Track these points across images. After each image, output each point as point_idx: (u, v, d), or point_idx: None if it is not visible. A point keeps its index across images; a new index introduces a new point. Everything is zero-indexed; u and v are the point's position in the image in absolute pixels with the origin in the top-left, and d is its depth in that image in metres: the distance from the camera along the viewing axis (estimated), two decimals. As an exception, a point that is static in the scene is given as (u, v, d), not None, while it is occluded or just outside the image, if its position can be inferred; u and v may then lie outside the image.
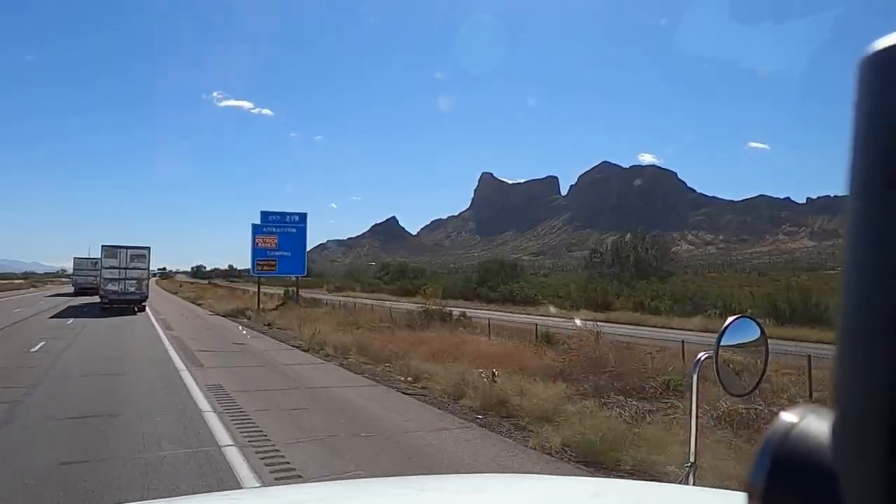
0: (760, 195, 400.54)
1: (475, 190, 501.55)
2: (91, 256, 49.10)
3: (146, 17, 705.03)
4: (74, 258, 55.91)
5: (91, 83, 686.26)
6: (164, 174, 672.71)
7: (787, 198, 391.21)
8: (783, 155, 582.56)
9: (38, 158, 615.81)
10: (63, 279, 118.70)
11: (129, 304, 30.41)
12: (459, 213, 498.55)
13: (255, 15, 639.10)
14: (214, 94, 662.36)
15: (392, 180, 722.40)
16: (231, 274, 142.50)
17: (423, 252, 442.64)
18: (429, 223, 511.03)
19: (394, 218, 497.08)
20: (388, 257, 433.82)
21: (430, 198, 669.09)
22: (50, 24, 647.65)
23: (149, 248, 32.99)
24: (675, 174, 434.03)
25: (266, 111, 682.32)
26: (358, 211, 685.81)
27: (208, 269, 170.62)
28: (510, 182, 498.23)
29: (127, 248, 31.80)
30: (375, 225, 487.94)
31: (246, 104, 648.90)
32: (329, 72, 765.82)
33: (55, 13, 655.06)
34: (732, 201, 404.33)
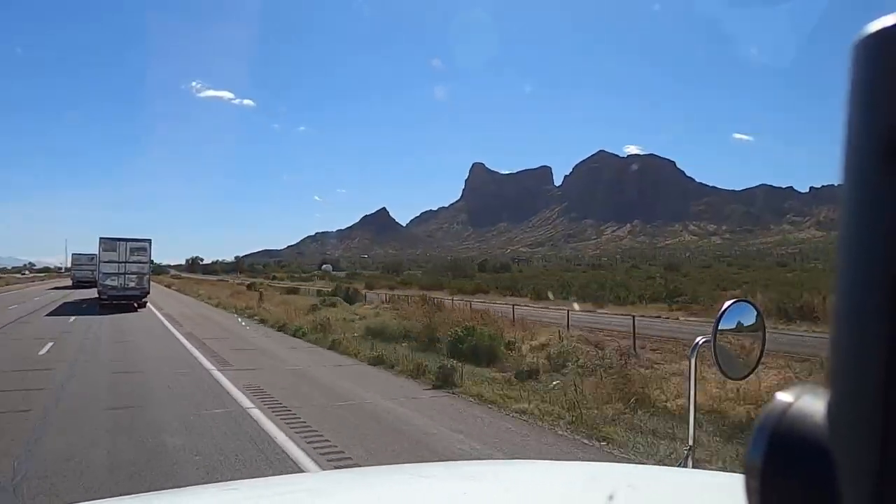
0: (762, 184, 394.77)
1: (466, 181, 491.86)
2: (86, 252, 53.00)
3: (122, 2, 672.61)
4: (73, 254, 61.00)
5: (66, 76, 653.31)
6: (145, 168, 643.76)
7: (790, 187, 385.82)
8: (778, 146, 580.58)
9: (16, 153, 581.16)
10: (21, 276, 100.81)
11: (129, 301, 28.66)
12: (451, 205, 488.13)
13: (234, 2, 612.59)
14: (193, 84, 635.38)
15: (380, 172, 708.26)
16: (235, 268, 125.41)
17: (416, 244, 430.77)
18: (419, 214, 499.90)
19: (384, 209, 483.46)
20: (380, 249, 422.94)
21: (419, 189, 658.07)
22: (25, 17, 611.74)
23: (149, 240, 31.07)
24: (674, 163, 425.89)
25: (248, 102, 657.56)
26: (343, 203, 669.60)
27: (206, 261, 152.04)
28: (502, 173, 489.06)
29: (126, 240, 30.17)
30: (366, 216, 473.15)
31: (226, 94, 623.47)
32: (314, 62, 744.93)
33: (33, 7, 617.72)
34: (733, 191, 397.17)
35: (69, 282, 61.08)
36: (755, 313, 1.75)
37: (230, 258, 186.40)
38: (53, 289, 54.30)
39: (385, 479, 1.75)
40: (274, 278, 71.96)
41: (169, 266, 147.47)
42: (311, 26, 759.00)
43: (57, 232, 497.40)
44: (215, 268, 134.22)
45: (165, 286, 61.73)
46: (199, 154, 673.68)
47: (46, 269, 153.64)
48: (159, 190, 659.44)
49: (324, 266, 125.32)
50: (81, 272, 53.55)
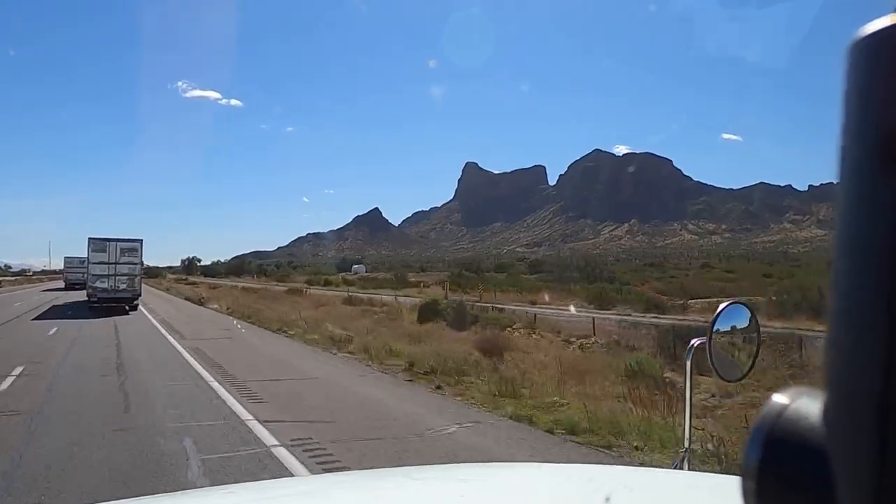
0: (760, 182, 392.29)
1: (459, 181, 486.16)
2: (77, 255, 52.85)
3: (107, 3, 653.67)
4: (65, 257, 63.78)
5: (48, 77, 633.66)
6: (130, 169, 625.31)
7: (789, 185, 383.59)
8: (768, 146, 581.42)
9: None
10: None
11: (120, 304, 26.80)
12: (443, 205, 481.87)
13: (220, 1, 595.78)
14: (180, 83, 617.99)
15: (370, 172, 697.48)
16: (239, 270, 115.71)
17: (409, 244, 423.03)
18: (411, 215, 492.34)
19: (377, 209, 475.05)
20: (373, 250, 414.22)
21: (411, 189, 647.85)
22: (10, 19, 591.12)
23: (140, 240, 29.67)
24: (671, 161, 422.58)
25: (235, 102, 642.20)
26: (331, 204, 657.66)
27: (205, 262, 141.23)
28: (496, 172, 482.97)
29: (117, 240, 28.92)
30: (359, 216, 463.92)
31: (213, 94, 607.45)
32: (302, 62, 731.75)
33: (18, 8, 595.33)
34: (731, 189, 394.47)
35: (40, 288, 64.32)
36: (750, 315, 1.78)
37: (225, 259, 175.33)
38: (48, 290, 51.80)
39: (381, 482, 1.73)
40: (326, 283, 60.37)
41: (159, 267, 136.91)
42: (297, 26, 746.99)
43: (41, 234, 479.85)
44: (217, 269, 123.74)
45: (193, 301, 37.25)
46: (186, 155, 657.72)
47: (23, 272, 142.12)
48: (145, 191, 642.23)
49: (355, 267, 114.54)
50: (74, 275, 54.86)
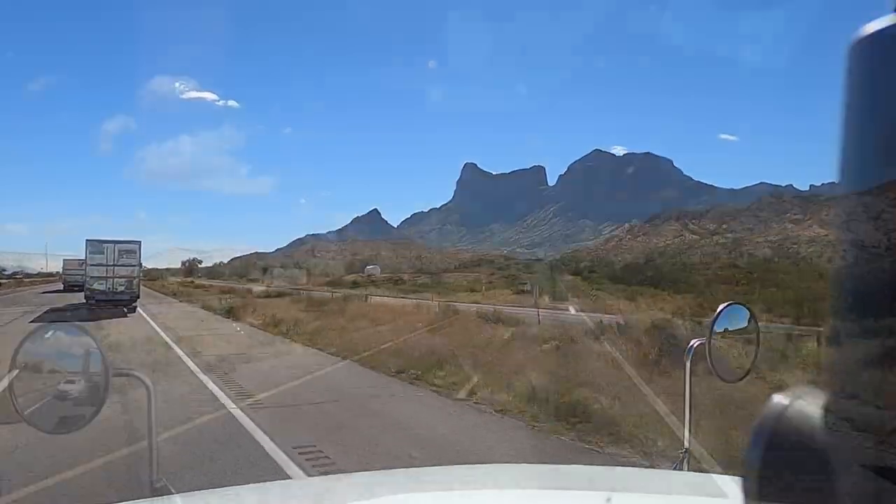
0: (761, 182, 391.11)
1: (458, 182, 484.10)
2: (76, 258, 53.62)
3: (103, 3, 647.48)
4: (64, 259, 66.27)
5: (46, 77, 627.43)
6: (128, 170, 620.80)
7: (790, 185, 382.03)
8: (765, 146, 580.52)
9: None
10: None
11: (118, 305, 27.01)
12: (442, 206, 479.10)
13: (217, 2, 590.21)
14: (177, 84, 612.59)
15: (367, 173, 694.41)
16: (243, 272, 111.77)
17: (409, 245, 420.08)
18: (410, 216, 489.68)
19: (376, 210, 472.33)
20: (371, 251, 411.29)
21: (409, 191, 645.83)
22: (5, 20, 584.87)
23: (139, 242, 29.81)
24: (671, 161, 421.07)
25: (232, 103, 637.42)
26: (329, 205, 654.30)
27: (205, 265, 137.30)
28: (495, 173, 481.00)
29: (115, 242, 28.91)
30: (358, 217, 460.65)
31: (210, 95, 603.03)
32: (301, 61, 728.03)
33: (17, 7, 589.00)
34: (732, 189, 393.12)
35: (38, 290, 67.56)
36: (749, 316, 1.79)
37: (224, 261, 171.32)
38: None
39: (383, 484, 1.74)
40: (355, 285, 56.21)
41: (158, 269, 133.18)
42: (296, 27, 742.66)
43: (39, 235, 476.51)
44: (220, 271, 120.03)
45: (216, 311, 27.95)
46: (184, 155, 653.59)
47: (14, 275, 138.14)
48: (144, 192, 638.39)
49: (368, 267, 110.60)
50: (72, 277, 56.21)
